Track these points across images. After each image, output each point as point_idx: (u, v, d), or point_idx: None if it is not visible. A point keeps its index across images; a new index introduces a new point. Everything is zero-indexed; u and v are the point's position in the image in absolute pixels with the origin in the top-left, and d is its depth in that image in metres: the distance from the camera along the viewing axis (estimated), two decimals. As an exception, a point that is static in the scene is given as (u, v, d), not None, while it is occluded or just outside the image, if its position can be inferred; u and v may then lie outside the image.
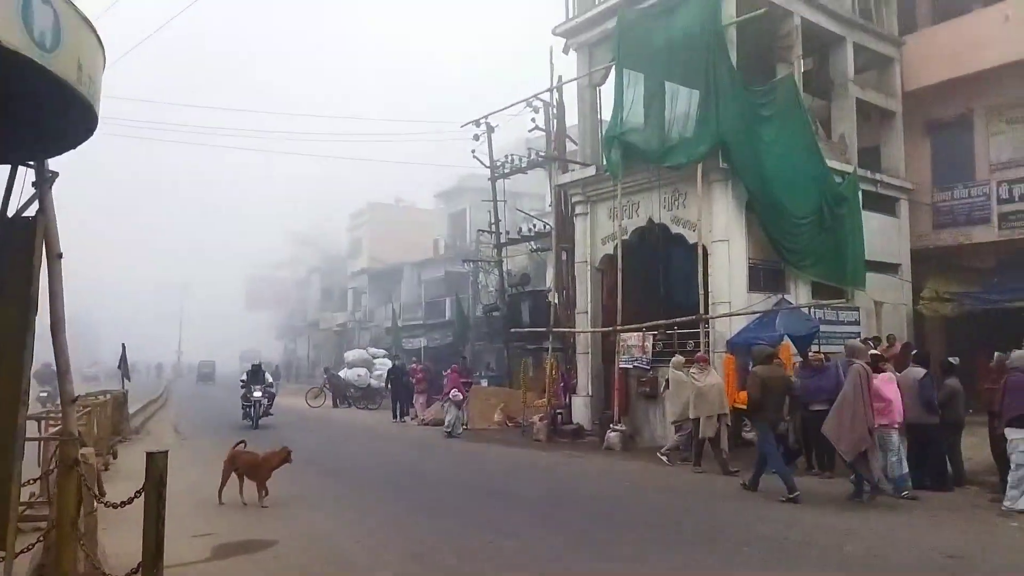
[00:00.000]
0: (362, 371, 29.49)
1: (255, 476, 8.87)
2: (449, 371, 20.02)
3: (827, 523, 7.81)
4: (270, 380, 20.00)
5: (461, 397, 17.96)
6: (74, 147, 4.24)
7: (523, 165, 21.71)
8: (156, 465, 3.38)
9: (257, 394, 18.79)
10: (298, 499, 8.73)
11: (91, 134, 3.95)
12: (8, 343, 3.76)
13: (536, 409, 17.49)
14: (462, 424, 17.85)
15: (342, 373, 30.06)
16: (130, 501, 3.75)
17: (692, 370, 11.97)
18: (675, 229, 14.76)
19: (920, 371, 9.55)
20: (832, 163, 15.28)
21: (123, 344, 19.41)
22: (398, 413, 22.08)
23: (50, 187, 4.23)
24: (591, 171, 16.40)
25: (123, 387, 18.36)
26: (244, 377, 19.78)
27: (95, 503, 3.99)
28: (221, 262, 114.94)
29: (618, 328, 15.10)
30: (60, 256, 4.26)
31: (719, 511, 8.61)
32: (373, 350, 33.09)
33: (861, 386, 8.60)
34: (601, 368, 16.29)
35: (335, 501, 9.19)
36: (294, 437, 14.84)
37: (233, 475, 8.82)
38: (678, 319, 14.35)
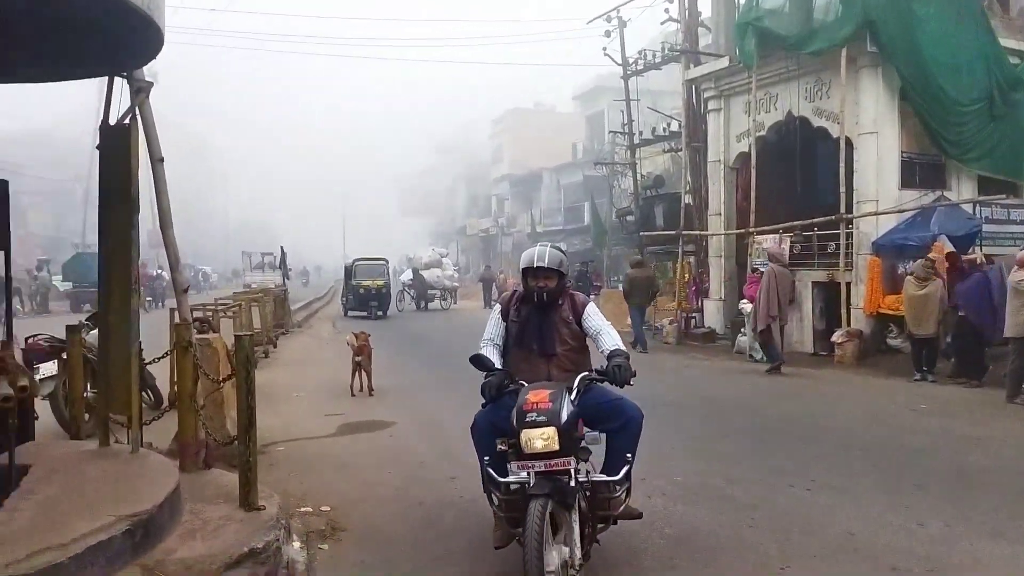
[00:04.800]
0: (438, 271, 30.02)
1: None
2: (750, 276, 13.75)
3: (961, 431, 7.38)
4: None
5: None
6: (146, 61, 4.52)
7: (657, 61, 20.67)
8: (243, 347, 3.78)
9: None
10: (423, 388, 9.36)
11: (159, 46, 4.16)
12: (119, 240, 4.27)
13: (668, 312, 17.41)
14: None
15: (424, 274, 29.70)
16: (226, 379, 4.24)
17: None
18: (817, 122, 13.72)
19: None
20: (1007, 42, 13.46)
21: (281, 247, 21.15)
22: None
23: (146, 96, 4.62)
24: (724, 63, 15.42)
25: (283, 284, 20.13)
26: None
27: (207, 381, 4.52)
28: (376, 170, 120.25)
29: (752, 230, 14.50)
30: (161, 160, 4.70)
31: (836, 415, 8.36)
32: (439, 249, 33.69)
33: (768, 284, 11.45)
34: (735, 271, 15.81)
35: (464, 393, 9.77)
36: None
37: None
38: (816, 219, 13.55)
